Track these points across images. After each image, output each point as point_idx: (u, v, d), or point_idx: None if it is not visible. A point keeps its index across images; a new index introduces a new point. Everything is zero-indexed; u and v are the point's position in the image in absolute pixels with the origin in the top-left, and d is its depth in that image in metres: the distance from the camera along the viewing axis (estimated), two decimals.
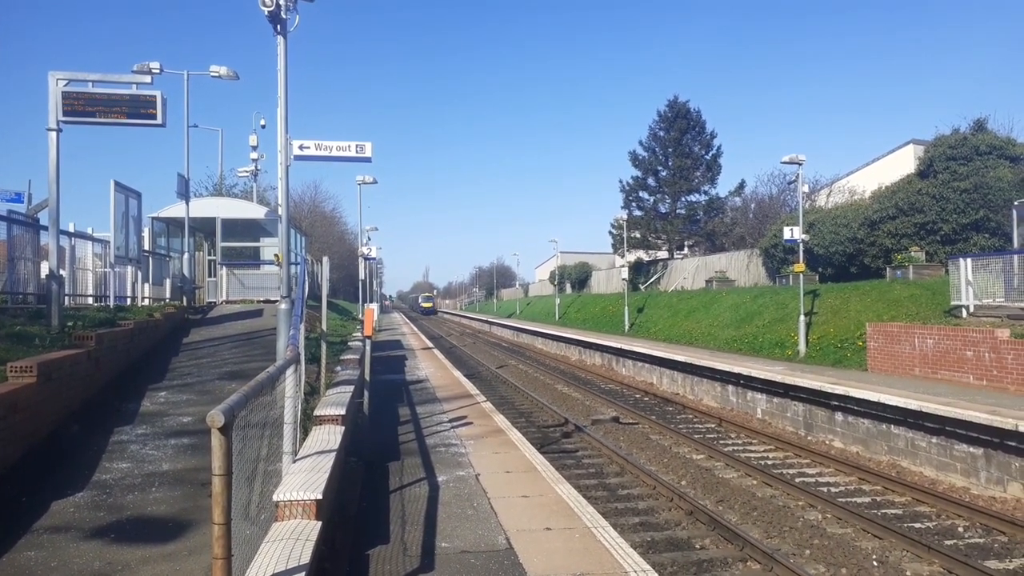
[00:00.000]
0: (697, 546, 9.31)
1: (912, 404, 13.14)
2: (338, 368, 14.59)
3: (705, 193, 49.29)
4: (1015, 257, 17.53)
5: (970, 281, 17.70)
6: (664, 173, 49.53)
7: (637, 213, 50.46)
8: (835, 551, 9.04)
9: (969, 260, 18.06)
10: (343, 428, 9.01)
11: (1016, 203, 21.29)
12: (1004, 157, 24.57)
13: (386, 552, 6.78)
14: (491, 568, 6.28)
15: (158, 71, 18.42)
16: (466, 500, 8.31)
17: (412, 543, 6.95)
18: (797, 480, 12.42)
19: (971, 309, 17.58)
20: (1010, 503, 11.10)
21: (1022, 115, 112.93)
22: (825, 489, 11.96)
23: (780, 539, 9.58)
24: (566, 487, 8.90)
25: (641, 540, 9.34)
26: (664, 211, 50.10)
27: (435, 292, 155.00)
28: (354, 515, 8.00)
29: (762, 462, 13.90)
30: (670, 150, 49.11)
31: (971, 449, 12.18)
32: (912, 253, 24.77)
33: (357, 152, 12.17)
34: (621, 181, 51.34)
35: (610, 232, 53.96)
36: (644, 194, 50.70)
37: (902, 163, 36.86)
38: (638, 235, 49.72)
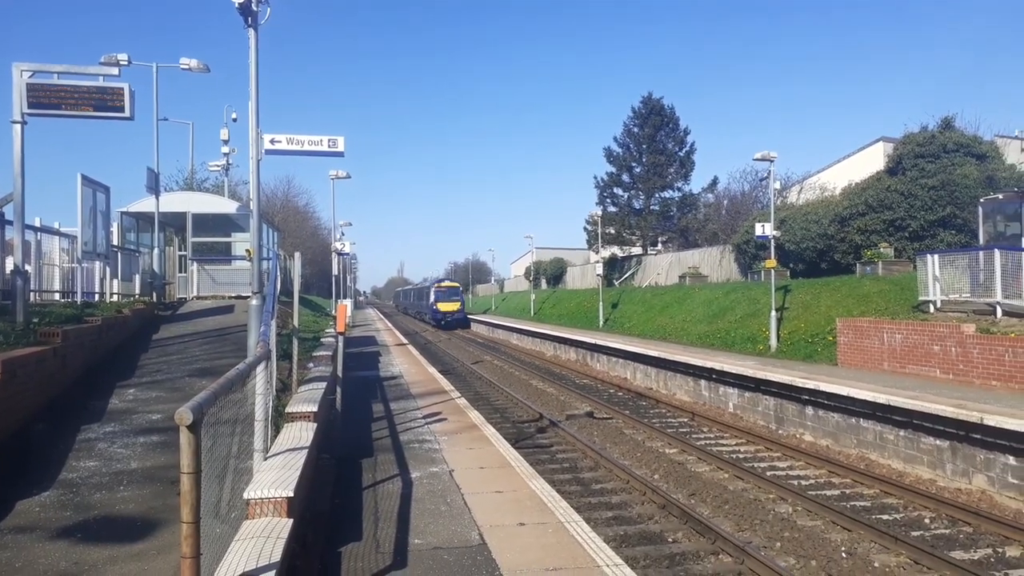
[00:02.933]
0: (670, 539, 9.39)
1: (880, 398, 13.35)
2: (310, 365, 14.48)
3: (679, 189, 49.68)
4: (980, 253, 17.86)
5: (937, 277, 18.01)
6: (638, 169, 49.77)
7: (612, 209, 50.68)
8: (805, 543, 9.17)
9: (936, 256, 18.38)
10: (315, 425, 8.94)
11: (982, 200, 21.68)
12: (970, 155, 25.03)
13: (358, 549, 6.74)
14: (464, 564, 6.27)
15: (126, 63, 18.08)
16: (439, 496, 8.29)
17: (385, 540, 6.93)
18: (768, 473, 12.57)
19: (938, 304, 17.89)
20: (975, 495, 11.32)
21: (988, 114, 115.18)
22: (796, 482, 12.12)
23: (751, 532, 9.69)
24: (540, 482, 8.91)
25: (614, 534, 9.40)
26: (638, 207, 50.37)
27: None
28: (326, 512, 7.95)
29: (734, 456, 14.05)
30: (644, 147, 49.37)
31: (937, 442, 12.41)
32: (881, 249, 25.16)
33: (329, 146, 12.04)
34: (596, 177, 51.58)
35: (585, 228, 54.14)
36: (619, 190, 50.95)
37: (872, 160, 37.36)
38: (613, 231, 49.95)
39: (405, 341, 34.02)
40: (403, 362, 23.47)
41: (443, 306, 57.84)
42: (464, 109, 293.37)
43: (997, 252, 16.65)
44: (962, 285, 18.02)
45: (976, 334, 14.94)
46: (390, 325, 51.83)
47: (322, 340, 20.18)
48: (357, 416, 13.39)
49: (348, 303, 15.22)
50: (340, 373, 13.06)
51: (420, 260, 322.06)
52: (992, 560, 8.69)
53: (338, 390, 12.82)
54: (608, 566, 6.17)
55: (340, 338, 13.04)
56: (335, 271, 37.02)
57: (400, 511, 7.80)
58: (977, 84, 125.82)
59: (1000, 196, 21.25)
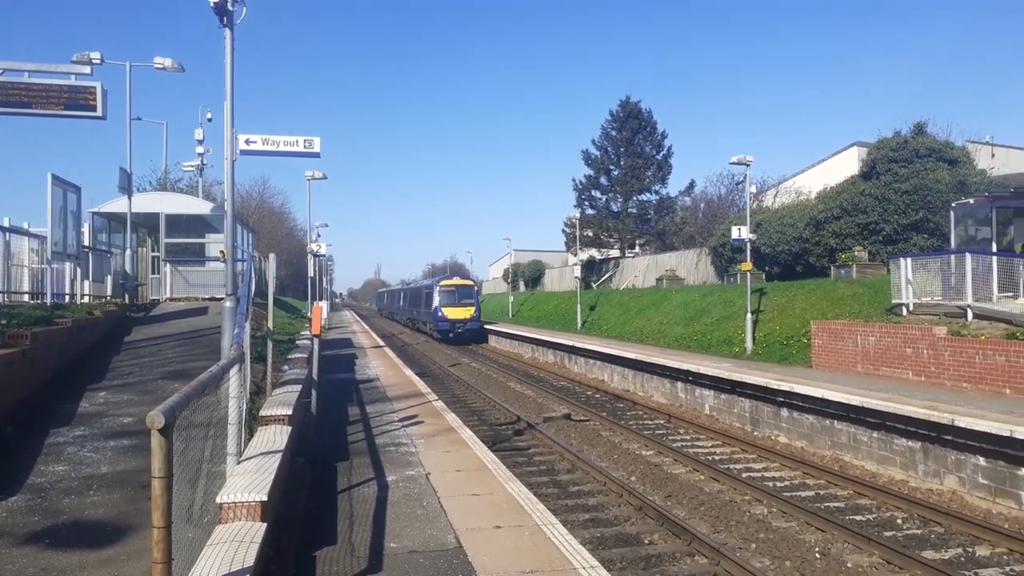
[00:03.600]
0: (646, 541, 9.41)
1: (854, 400, 13.49)
2: (285, 367, 14.35)
3: (656, 193, 49.97)
4: (952, 257, 18.14)
5: (910, 280, 18.26)
6: (616, 172, 49.98)
7: (590, 212, 50.85)
8: (780, 544, 9.23)
9: (909, 260, 18.63)
10: (290, 428, 8.87)
11: (953, 205, 22.03)
12: (942, 160, 25.42)
13: (333, 553, 6.68)
14: (440, 568, 6.24)
15: (99, 62, 17.83)
16: (416, 499, 8.24)
17: (360, 543, 6.87)
18: (744, 475, 12.66)
19: (911, 307, 18.13)
20: (946, 495, 11.48)
21: (960, 119, 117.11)
22: (771, 483, 12.21)
23: (727, 533, 9.74)
24: (517, 485, 8.90)
25: (591, 536, 9.40)
26: (616, 210, 50.57)
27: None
28: (301, 516, 7.87)
29: (710, 457, 14.13)
30: (622, 150, 49.60)
31: (910, 443, 12.57)
32: (855, 252, 25.46)
33: (305, 147, 11.97)
34: (574, 180, 51.72)
35: (563, 230, 54.25)
36: (597, 193, 51.13)
37: (846, 165, 37.83)
38: (591, 234, 50.11)
39: (382, 343, 33.84)
40: (379, 364, 23.35)
41: (451, 312, 43.69)
42: (443, 111, 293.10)
43: (968, 256, 16.92)
44: (934, 288, 18.30)
45: (947, 337, 15.16)
46: (367, 327, 51.53)
47: (297, 342, 20.02)
48: (333, 419, 13.29)
49: (324, 305, 15.12)
50: (315, 376, 12.94)
51: (398, 261, 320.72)
52: (963, 560, 8.80)
53: (313, 393, 12.71)
54: (584, 568, 6.16)
55: (315, 340, 12.93)
56: (311, 273, 36.78)
57: (376, 514, 7.74)
58: (949, 91, 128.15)
59: (971, 201, 21.60)
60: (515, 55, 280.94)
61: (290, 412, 9.20)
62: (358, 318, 69.76)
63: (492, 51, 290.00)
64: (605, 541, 9.34)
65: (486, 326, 46.04)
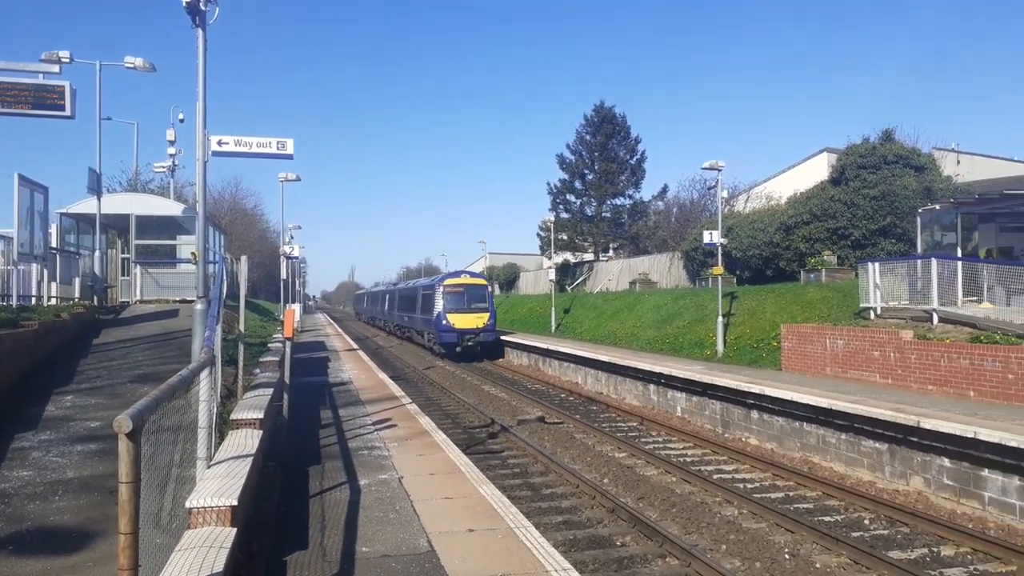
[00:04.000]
0: (618, 543, 9.47)
1: (823, 402, 13.69)
2: (257, 370, 14.24)
3: (630, 197, 50.31)
4: (918, 262, 18.48)
5: (878, 284, 18.57)
6: (590, 176, 50.24)
7: (564, 215, 51.04)
8: (750, 545, 9.34)
9: (877, 264, 18.95)
10: (261, 432, 8.80)
11: (920, 210, 22.45)
12: (909, 166, 25.89)
13: (304, 558, 6.64)
14: (412, 571, 6.23)
15: (68, 61, 17.58)
16: (388, 503, 8.22)
17: (332, 548, 6.84)
18: (715, 476, 12.78)
19: (879, 311, 18.44)
20: (912, 496, 11.69)
21: (927, 127, 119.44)
22: (741, 485, 12.34)
23: (698, 535, 9.83)
24: (490, 488, 8.91)
25: (564, 539, 9.44)
26: (590, 214, 50.82)
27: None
28: (272, 521, 7.81)
29: (681, 459, 14.25)
30: (596, 154, 49.86)
31: (877, 445, 12.78)
32: (825, 257, 25.83)
33: (278, 149, 11.92)
34: (549, 183, 51.91)
35: (538, 234, 54.39)
36: (571, 197, 51.34)
37: (816, 170, 38.40)
38: (565, 237, 50.30)
39: (355, 346, 33.65)
40: (353, 368, 23.22)
41: (459, 319, 33.72)
42: (418, 114, 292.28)
43: (934, 261, 17.25)
44: (901, 292, 18.64)
45: (914, 340, 15.44)
46: (340, 331, 51.22)
47: (269, 345, 19.86)
48: (305, 423, 13.20)
49: (297, 308, 15.03)
50: (287, 379, 12.86)
51: (372, 264, 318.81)
52: (928, 559, 8.97)
53: (285, 396, 12.63)
54: (557, 571, 6.19)
55: (288, 343, 12.85)
56: (283, 275, 36.45)
57: (348, 519, 7.70)
58: (917, 99, 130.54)
59: (937, 207, 22.03)
60: (491, 58, 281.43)
61: (261, 416, 9.13)
62: (331, 321, 69.31)
63: (468, 54, 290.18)
64: (578, 543, 9.38)
65: None
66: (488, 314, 33.95)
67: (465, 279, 36.06)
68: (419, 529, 7.33)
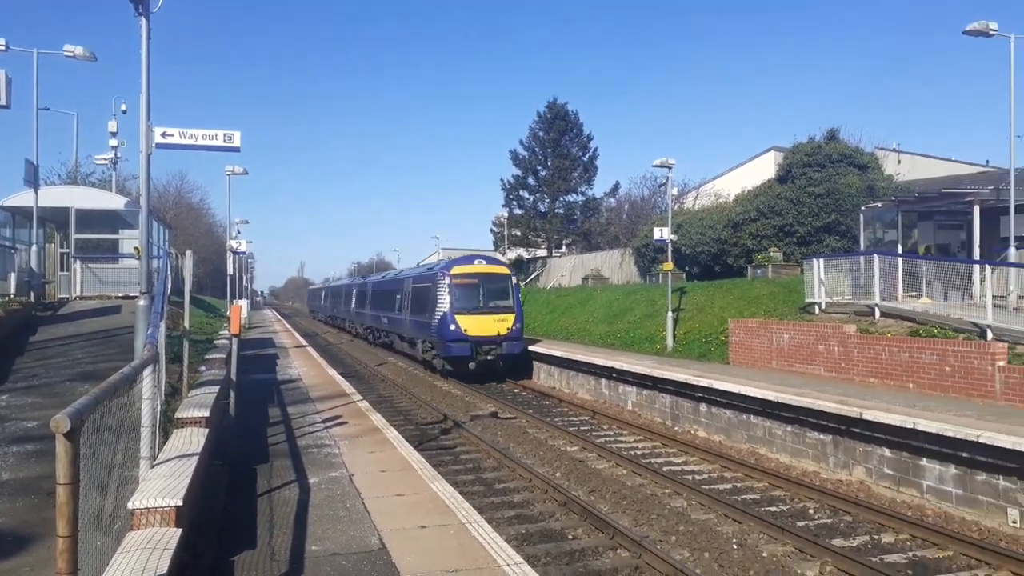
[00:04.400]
0: (570, 536, 9.53)
1: (769, 395, 13.99)
2: (203, 368, 13.93)
3: (582, 194, 50.77)
4: (861, 258, 19.03)
5: (822, 280, 19.06)
6: (544, 173, 50.48)
7: (518, 211, 51.23)
8: (699, 536, 9.49)
9: (821, 260, 19.45)
10: (207, 431, 8.63)
11: (863, 208, 23.11)
12: (853, 165, 26.65)
13: (252, 558, 6.52)
14: (363, 569, 6.17)
15: (3, 48, 16.98)
16: (338, 501, 8.12)
17: (280, 547, 6.72)
18: (665, 469, 12.96)
19: (823, 306, 18.92)
20: (855, 485, 12.03)
21: (870, 127, 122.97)
22: (690, 477, 12.54)
23: (648, 526, 9.95)
24: (442, 484, 8.88)
25: (516, 533, 9.45)
26: (543, 210, 51.08)
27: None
28: (219, 521, 7.65)
29: (632, 452, 14.42)
30: (549, 150, 50.12)
31: (821, 436, 13.11)
32: (771, 253, 26.43)
33: (225, 141, 11.67)
34: (503, 179, 52.01)
35: (492, 230, 54.53)
36: (524, 193, 51.52)
37: (764, 168, 39.24)
38: (519, 233, 50.50)
39: (304, 343, 33.19)
40: (302, 364, 22.90)
41: (473, 323, 24.30)
42: (371, 108, 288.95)
43: (876, 257, 17.77)
44: (845, 288, 19.16)
45: (856, 334, 15.89)
46: (289, 327, 50.46)
47: (215, 342, 19.45)
48: (252, 421, 12.95)
49: (244, 304, 14.75)
50: (234, 376, 12.60)
51: (322, 259, 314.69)
52: (869, 546, 9.24)
53: (231, 394, 12.38)
54: (509, 565, 6.20)
55: (234, 340, 12.59)
56: (230, 270, 35.70)
57: (297, 517, 7.59)
58: (860, 100, 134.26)
59: (879, 204, 22.69)
60: (446, 52, 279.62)
61: (207, 414, 8.95)
62: (280, 317, 68.19)
63: (423, 48, 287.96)
64: (530, 537, 9.41)
65: None
66: (514, 315, 24.57)
67: (481, 266, 25.89)
68: (370, 526, 7.26)
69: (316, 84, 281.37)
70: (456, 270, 25.38)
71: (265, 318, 62.72)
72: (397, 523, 7.35)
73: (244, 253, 41.19)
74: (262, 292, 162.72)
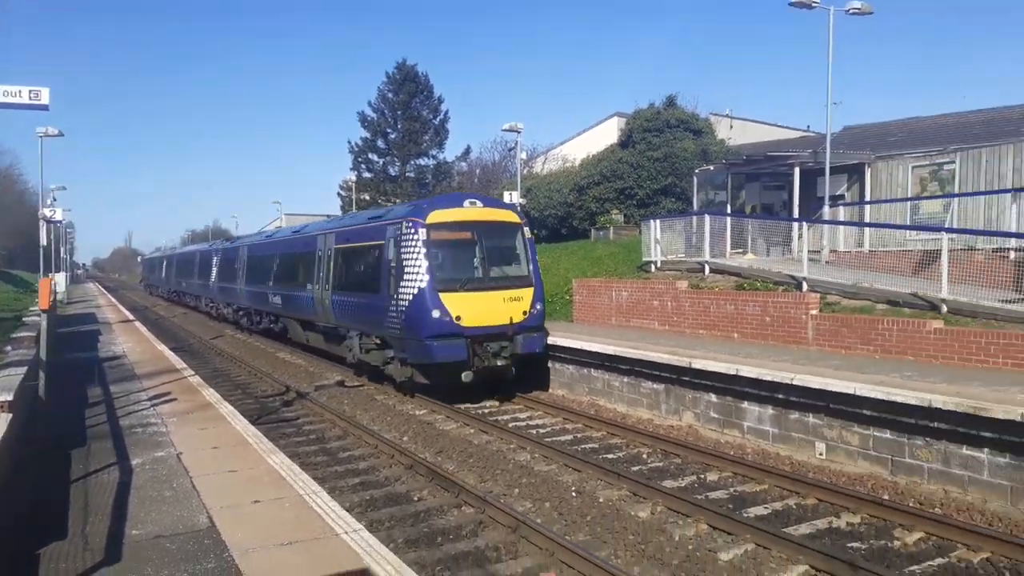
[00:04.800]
0: (416, 498, 9.50)
1: (608, 349, 14.55)
2: (8, 348, 12.66)
3: (433, 157, 50.37)
4: (694, 218, 20.12)
5: (658, 240, 19.99)
6: (393, 135, 49.53)
7: (367, 175, 50.08)
8: (540, 487, 9.75)
9: (658, 221, 20.37)
10: (11, 415, 7.86)
11: (696, 171, 24.40)
12: (689, 130, 27.99)
13: (62, 548, 6.01)
14: (189, 549, 5.84)
15: None
16: (164, 481, 7.63)
17: (95, 535, 6.24)
18: (510, 425, 13.22)
19: (659, 264, 19.88)
20: (684, 430, 12.81)
21: (705, 94, 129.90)
22: (534, 431, 12.87)
23: (492, 482, 10.11)
24: (279, 457, 8.58)
25: (360, 500, 9.30)
26: (394, 173, 50.23)
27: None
28: (24, 512, 6.98)
29: (479, 411, 14.58)
30: (399, 113, 49.19)
31: (655, 386, 13.83)
32: (613, 216, 27.43)
33: (31, 99, 10.45)
34: (350, 142, 50.59)
35: (339, 194, 52.94)
36: (374, 156, 50.41)
37: (608, 134, 40.43)
38: (368, 197, 49.34)
39: (131, 317, 30.96)
40: (128, 340, 21.33)
41: (468, 305, 14.40)
42: (204, 68, 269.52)
43: (707, 217, 18.84)
44: (678, 247, 20.22)
45: (688, 290, 16.81)
46: (114, 300, 46.89)
47: (25, 320, 17.73)
48: (69, 403, 11.90)
49: (60, 277, 13.45)
50: (44, 356, 11.47)
51: (152, 228, 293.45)
52: (696, 485, 9.87)
53: (41, 375, 11.29)
54: (347, 532, 6.09)
55: (44, 316, 11.44)
56: (43, 241, 32.48)
57: (116, 502, 7.06)
58: (698, 67, 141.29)
59: (711, 168, 24.04)
60: (290, 12, 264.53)
61: (11, 398, 8.21)
62: (104, 291, 63.20)
63: (266, 9, 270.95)
64: (375, 503, 9.29)
65: None
66: (532, 289, 15.33)
67: (476, 210, 15.62)
68: (198, 505, 6.88)
69: (146, 44, 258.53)
70: (435, 216, 15.01)
71: (87, 292, 57.93)
72: (228, 500, 7.03)
73: (60, 222, 37.59)
74: (84, 265, 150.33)
